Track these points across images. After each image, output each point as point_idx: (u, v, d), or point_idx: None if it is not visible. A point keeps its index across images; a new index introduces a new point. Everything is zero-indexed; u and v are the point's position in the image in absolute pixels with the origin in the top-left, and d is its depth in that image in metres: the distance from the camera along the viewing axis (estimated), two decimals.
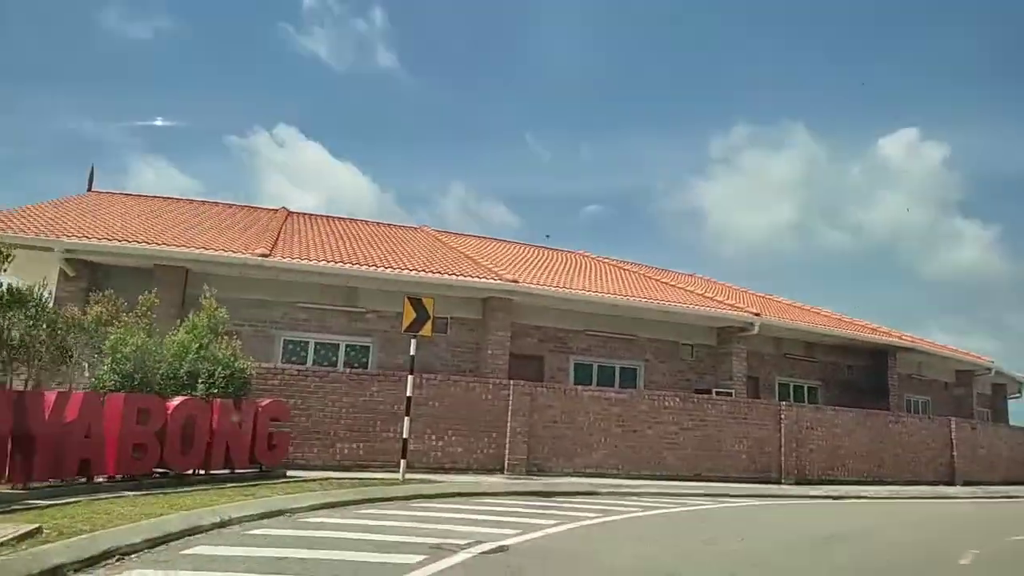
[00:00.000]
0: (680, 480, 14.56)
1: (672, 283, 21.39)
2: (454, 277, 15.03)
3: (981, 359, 24.36)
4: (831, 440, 16.94)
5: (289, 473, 10.42)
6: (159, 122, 67.25)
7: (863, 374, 22.09)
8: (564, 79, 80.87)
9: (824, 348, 21.33)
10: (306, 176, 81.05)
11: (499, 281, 15.26)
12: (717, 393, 17.09)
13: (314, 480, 10.11)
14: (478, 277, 15.28)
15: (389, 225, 21.99)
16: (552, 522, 7.97)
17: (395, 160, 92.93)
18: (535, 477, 13.10)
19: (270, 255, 13.92)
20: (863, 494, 15.11)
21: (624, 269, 22.11)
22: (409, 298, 11.74)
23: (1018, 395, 33.91)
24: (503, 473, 13.12)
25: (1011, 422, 28.18)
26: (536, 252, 22.51)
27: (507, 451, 13.26)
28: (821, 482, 16.43)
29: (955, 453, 19.23)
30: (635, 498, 11.75)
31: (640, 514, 9.65)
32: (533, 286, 15.52)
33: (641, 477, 14.30)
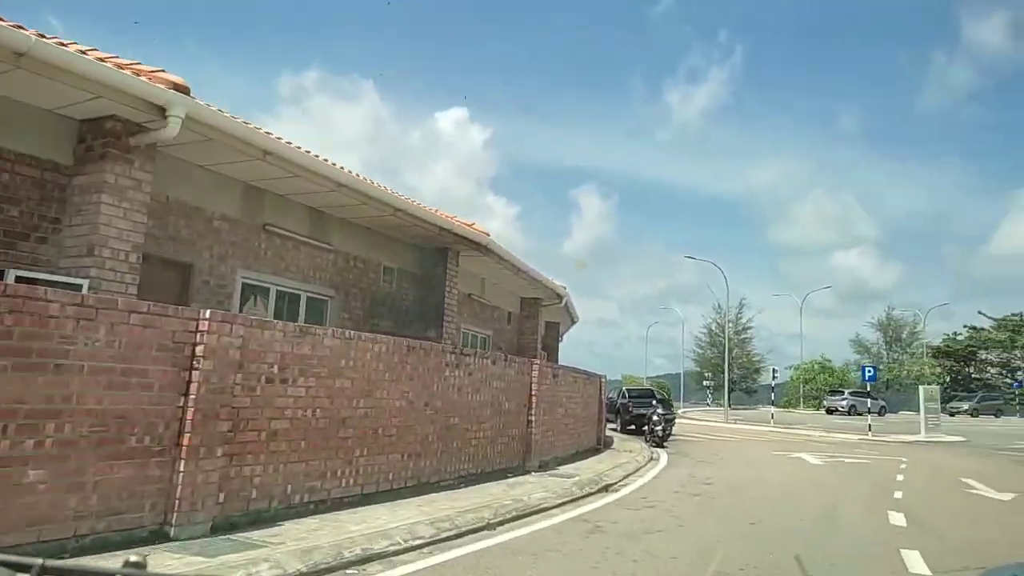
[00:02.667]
0: None
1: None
2: None
3: (556, 284, 18.12)
4: (323, 401, 7.17)
5: None
6: None
7: (409, 287, 13.28)
8: None
9: (345, 226, 11.65)
10: None
11: None
12: (47, 286, 5.73)
13: None
14: None
15: None
16: None
17: None
18: None
19: None
20: (394, 550, 5.69)
21: None
22: None
23: (560, 339, 30.83)
24: None
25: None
26: None
27: None
28: (278, 516, 6.54)
29: (532, 417, 11.63)
30: None
31: None
32: None
33: None
